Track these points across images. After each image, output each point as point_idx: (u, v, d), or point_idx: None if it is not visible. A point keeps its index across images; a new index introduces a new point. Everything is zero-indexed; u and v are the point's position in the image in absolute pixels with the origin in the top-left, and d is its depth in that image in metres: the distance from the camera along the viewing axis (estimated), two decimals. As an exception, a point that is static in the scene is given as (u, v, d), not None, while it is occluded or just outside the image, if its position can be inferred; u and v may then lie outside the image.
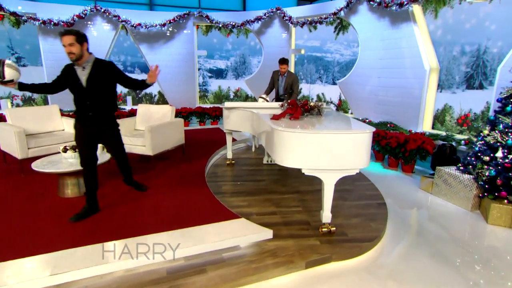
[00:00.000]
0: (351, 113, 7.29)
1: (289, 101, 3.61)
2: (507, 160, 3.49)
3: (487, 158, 3.68)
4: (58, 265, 2.30)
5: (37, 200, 3.40)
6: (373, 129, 2.83)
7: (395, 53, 6.09)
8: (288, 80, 5.32)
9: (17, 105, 8.04)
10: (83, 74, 2.90)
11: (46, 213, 3.13)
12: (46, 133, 4.56)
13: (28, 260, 2.38)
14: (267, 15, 8.14)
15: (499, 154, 3.61)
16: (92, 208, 3.11)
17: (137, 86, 3.20)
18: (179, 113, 8.62)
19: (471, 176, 3.78)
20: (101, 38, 8.04)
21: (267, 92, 5.49)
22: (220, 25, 8.49)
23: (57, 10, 7.57)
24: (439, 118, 5.79)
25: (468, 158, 3.93)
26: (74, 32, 2.81)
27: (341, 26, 7.44)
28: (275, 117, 3.32)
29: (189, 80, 9.11)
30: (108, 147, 3.36)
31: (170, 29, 8.55)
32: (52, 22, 7.48)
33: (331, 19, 7.15)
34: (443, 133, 5.37)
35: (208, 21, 8.53)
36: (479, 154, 3.79)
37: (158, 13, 8.60)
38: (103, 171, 4.26)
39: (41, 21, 7.40)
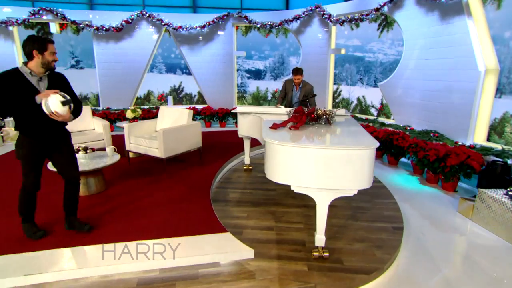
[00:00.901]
0: (393, 119, 6.60)
1: (294, 108, 3.33)
2: None
3: (541, 184, 2.97)
4: (39, 265, 2.42)
5: (49, 197, 3.64)
6: (376, 145, 2.45)
7: (444, 52, 5.31)
8: (304, 92, 4.95)
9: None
10: (42, 85, 2.56)
11: (52, 210, 3.34)
12: (77, 132, 4.93)
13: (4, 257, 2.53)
14: (306, 13, 7.77)
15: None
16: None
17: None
18: (216, 114, 8.75)
19: (520, 204, 3.09)
20: (146, 41, 8.50)
21: (280, 103, 5.15)
22: (258, 26, 8.38)
23: (108, 17, 8.20)
24: (496, 129, 4.89)
25: (519, 181, 3.22)
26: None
27: (386, 23, 6.76)
28: (275, 126, 3.09)
29: (228, 81, 9.17)
30: (63, 163, 2.85)
31: (210, 31, 8.69)
32: (104, 28, 8.12)
33: (373, 15, 6.53)
34: (499, 147, 4.52)
35: (247, 22, 8.47)
36: (531, 178, 3.07)
37: (199, 15, 8.79)
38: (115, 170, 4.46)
39: (95, 27, 8.09)
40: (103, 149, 4.52)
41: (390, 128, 6.25)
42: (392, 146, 5.50)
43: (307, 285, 2.36)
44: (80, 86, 8.81)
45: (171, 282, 2.37)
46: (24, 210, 2.80)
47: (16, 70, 2.53)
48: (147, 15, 8.29)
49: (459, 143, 4.91)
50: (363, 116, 7.23)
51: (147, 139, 4.41)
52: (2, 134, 6.92)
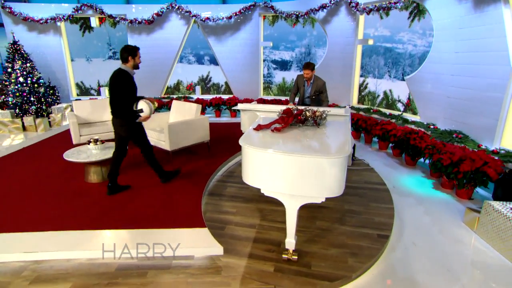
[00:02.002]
0: (419, 116, 6.16)
1: (282, 109, 3.31)
2: None
3: (549, 202, 2.66)
4: (38, 245, 2.80)
5: (68, 182, 4.11)
6: (346, 154, 2.39)
7: (476, 45, 4.79)
8: (316, 87, 4.81)
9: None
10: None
11: (67, 194, 3.78)
12: (100, 122, 5.41)
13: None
14: (332, 2, 7.43)
15: None
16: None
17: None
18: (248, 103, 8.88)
19: (524, 222, 2.81)
20: (175, 32, 8.83)
21: (292, 99, 5.07)
22: (284, 15, 8.22)
23: (142, 10, 8.63)
24: (529, 133, 4.37)
25: (527, 196, 2.91)
26: None
27: (417, 11, 6.24)
28: (259, 127, 3.12)
29: (254, 71, 9.21)
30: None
31: (237, 21, 8.73)
32: (137, 21, 8.59)
33: (402, 3, 6.05)
34: (529, 154, 4.05)
35: (273, 12, 8.35)
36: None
37: (226, 6, 8.85)
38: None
39: (129, 20, 8.58)
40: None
41: (412, 126, 5.88)
42: (409, 146, 5.19)
43: (267, 286, 2.44)
44: (117, 76, 9.49)
45: (145, 270, 2.61)
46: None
47: (124, 71, 3.48)
48: (176, 7, 8.57)
49: (482, 146, 4.49)
50: (388, 111, 6.85)
51: (157, 132, 4.70)
52: (49, 120, 7.79)
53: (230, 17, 8.59)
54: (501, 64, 4.35)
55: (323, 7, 7.60)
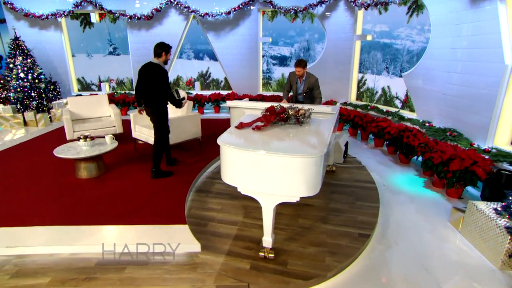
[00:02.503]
0: (416, 113, 6.09)
1: (266, 107, 3.30)
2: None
3: (531, 204, 2.62)
4: (21, 239, 2.88)
5: (58, 178, 4.18)
6: (319, 154, 2.38)
7: (471, 41, 4.70)
8: (308, 84, 4.78)
9: (113, 88, 9.77)
10: None
11: (56, 189, 3.85)
12: (95, 118, 5.48)
13: None
14: (331, -4, 7.35)
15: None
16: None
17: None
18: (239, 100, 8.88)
19: (507, 223, 2.77)
20: (174, 28, 8.82)
21: (285, 97, 5.05)
22: (283, 11, 8.15)
23: (141, 6, 8.65)
24: (524, 131, 4.28)
25: (511, 198, 2.86)
26: None
27: (416, 6, 6.12)
28: (241, 125, 3.13)
29: (253, 67, 9.18)
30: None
31: (236, 17, 8.69)
32: (136, 16, 8.61)
33: (400, -2, 5.95)
34: (521, 153, 3.98)
35: (271, 7, 8.28)
36: (520, 195, 2.72)
37: (225, 1, 8.77)
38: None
39: (128, 16, 8.62)
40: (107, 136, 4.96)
41: (408, 123, 5.81)
42: (403, 143, 5.14)
43: (240, 284, 2.47)
44: (117, 71, 9.58)
45: (123, 266, 2.66)
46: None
47: (158, 64, 3.93)
48: (175, 2, 8.55)
49: (475, 145, 4.42)
50: (385, 108, 6.77)
51: (148, 128, 4.74)
52: (50, 115, 7.92)
53: (229, 13, 8.55)
54: (495, 61, 4.26)
55: (321, 2, 7.51)
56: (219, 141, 2.65)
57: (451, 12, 5.04)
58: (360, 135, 6.78)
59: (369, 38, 7.03)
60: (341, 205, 3.68)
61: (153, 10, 8.57)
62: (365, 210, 3.56)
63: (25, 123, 7.59)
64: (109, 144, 4.21)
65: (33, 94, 7.69)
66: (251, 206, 3.62)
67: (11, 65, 7.85)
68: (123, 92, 9.47)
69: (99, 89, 9.62)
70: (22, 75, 7.60)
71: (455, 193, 4.08)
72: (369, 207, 3.63)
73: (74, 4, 8.51)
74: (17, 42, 7.89)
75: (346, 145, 5.22)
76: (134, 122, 4.97)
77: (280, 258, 2.74)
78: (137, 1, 8.67)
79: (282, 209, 3.54)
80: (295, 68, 4.77)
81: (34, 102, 7.71)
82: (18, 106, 7.62)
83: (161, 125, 4.17)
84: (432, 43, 5.50)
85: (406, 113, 6.34)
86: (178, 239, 2.88)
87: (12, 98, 7.58)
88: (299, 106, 3.45)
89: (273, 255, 2.72)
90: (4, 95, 7.80)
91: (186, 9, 8.57)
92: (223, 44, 9.01)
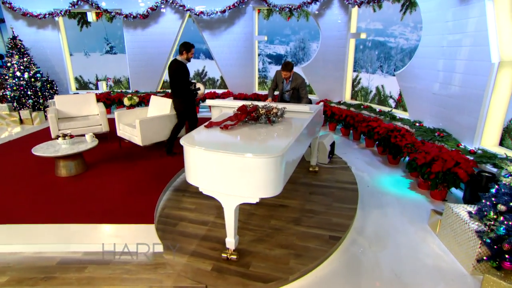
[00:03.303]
0: (408, 113, 5.95)
1: (238, 107, 3.25)
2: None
3: (503, 208, 2.51)
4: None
5: (38, 176, 4.19)
6: (279, 154, 2.32)
7: (460, 39, 4.56)
8: (294, 85, 4.72)
9: (110, 87, 9.83)
10: None
11: (34, 187, 3.87)
12: (82, 117, 5.50)
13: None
14: (325, -6, 7.23)
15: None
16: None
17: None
18: (234, 99, 8.83)
19: (478, 227, 2.67)
20: (170, 27, 8.83)
21: (271, 95, 5.00)
22: (277, 9, 8.07)
23: (136, 5, 8.68)
24: (511, 133, 4.12)
25: (483, 201, 2.75)
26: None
27: (409, 3, 5.98)
28: (210, 124, 3.09)
29: (248, 65, 9.12)
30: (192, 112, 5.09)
31: (231, 15, 8.64)
32: (132, 15, 8.65)
33: (392, -5, 5.81)
34: (504, 154, 3.82)
35: (266, 5, 8.21)
36: (493, 198, 2.61)
37: (220, -1, 8.76)
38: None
39: (124, 15, 8.65)
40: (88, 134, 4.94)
41: (398, 123, 5.69)
42: (390, 144, 5.02)
43: (198, 285, 2.42)
44: (114, 70, 9.63)
45: (84, 265, 2.65)
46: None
47: (181, 61, 4.66)
48: (171, 1, 8.55)
49: (461, 145, 4.29)
50: (378, 108, 6.64)
51: (131, 127, 4.74)
52: (46, 114, 8.01)
53: (224, 11, 8.51)
54: (482, 60, 4.13)
55: (315, -1, 7.40)
56: (182, 141, 2.61)
57: (441, 9, 4.90)
58: (352, 135, 6.67)
59: (363, 36, 6.90)
60: (318, 206, 3.60)
61: (149, 9, 8.58)
62: (341, 212, 3.48)
63: (21, 121, 7.69)
64: (89, 142, 4.21)
65: (29, 92, 7.79)
66: (225, 206, 3.57)
67: (8, 64, 7.96)
68: (119, 90, 9.52)
69: (96, 87, 9.70)
70: (18, 73, 7.70)
71: (438, 195, 3.96)
72: (346, 209, 3.54)
73: (71, 3, 8.59)
74: (14, 41, 8.00)
75: (333, 145, 5.13)
76: (119, 120, 4.98)
77: (244, 260, 2.69)
78: (133, 0, 8.71)
79: (255, 209, 3.49)
80: (282, 72, 4.73)
81: (30, 101, 7.81)
82: (15, 104, 7.73)
83: (178, 112, 4.81)
84: (423, 41, 5.36)
85: (399, 113, 6.21)
86: (142, 239, 2.85)
87: (8, 96, 7.69)
88: (273, 104, 3.39)
89: (236, 257, 2.67)
90: (1, 94, 7.91)
91: (181, 7, 8.56)
92: (218, 43, 8.98)
